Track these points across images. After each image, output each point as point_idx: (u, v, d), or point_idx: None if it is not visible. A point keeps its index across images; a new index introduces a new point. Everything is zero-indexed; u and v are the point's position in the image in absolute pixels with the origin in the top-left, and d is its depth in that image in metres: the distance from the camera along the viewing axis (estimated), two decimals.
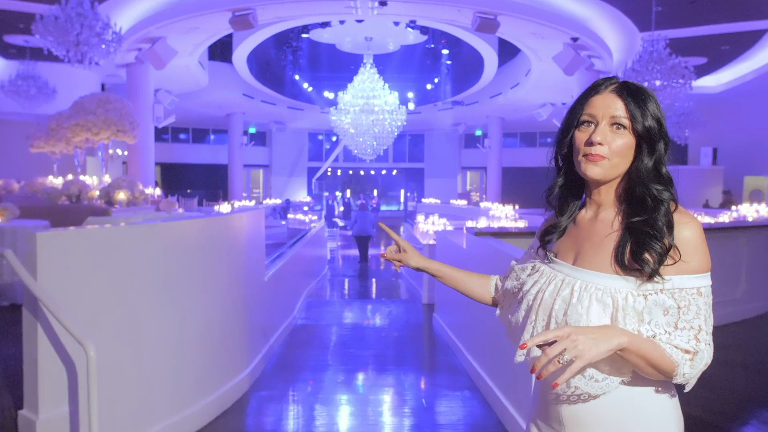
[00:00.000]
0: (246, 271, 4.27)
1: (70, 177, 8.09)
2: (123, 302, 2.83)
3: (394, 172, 29.17)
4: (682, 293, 1.15)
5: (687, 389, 1.20)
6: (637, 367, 1.14)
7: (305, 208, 18.79)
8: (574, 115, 1.27)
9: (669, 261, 1.15)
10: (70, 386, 2.51)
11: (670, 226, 1.18)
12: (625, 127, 1.20)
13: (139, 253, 2.95)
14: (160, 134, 22.95)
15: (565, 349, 1.04)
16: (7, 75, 12.31)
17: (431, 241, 8.22)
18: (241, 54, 16.57)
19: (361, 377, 4.87)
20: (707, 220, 7.38)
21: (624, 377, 1.16)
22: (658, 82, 8.72)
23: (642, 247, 1.16)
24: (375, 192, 29.01)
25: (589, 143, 1.21)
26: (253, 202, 17.96)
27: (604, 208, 1.28)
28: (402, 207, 28.33)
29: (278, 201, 21.00)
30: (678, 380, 1.15)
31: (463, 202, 18.42)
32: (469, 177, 28.87)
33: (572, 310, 1.17)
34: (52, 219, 5.79)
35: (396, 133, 17.91)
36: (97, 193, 7.54)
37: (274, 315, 5.49)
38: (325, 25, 16.10)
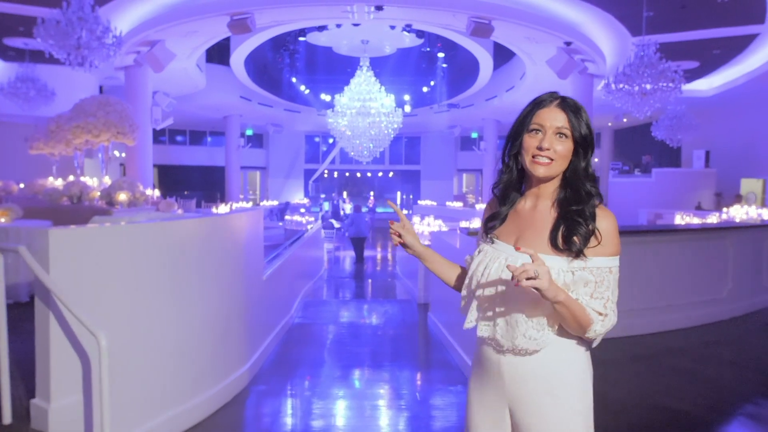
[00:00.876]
0: (245, 270, 4.39)
1: (70, 178, 8.19)
2: (128, 297, 2.96)
3: (391, 174, 29.31)
4: (599, 271, 1.48)
5: (594, 345, 1.55)
6: (564, 320, 1.44)
7: (302, 210, 18.90)
8: (524, 124, 1.56)
9: (592, 243, 1.47)
10: (82, 375, 2.64)
11: (594, 217, 1.49)
12: (567, 136, 1.52)
13: (144, 251, 3.08)
14: (158, 136, 23.03)
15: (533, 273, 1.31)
16: (7, 77, 12.38)
17: (426, 242, 8.35)
18: (238, 57, 16.69)
19: (357, 373, 4.99)
20: (696, 221, 7.54)
21: (552, 330, 1.48)
22: (648, 86, 8.88)
23: (572, 231, 1.47)
24: (372, 194, 29.12)
25: (540, 148, 1.51)
26: (250, 204, 18.06)
27: (542, 200, 1.58)
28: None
29: (275, 203, 21.10)
30: (590, 335, 1.47)
31: (458, 204, 18.54)
32: (465, 179, 29.03)
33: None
34: (55, 219, 5.90)
35: (392, 136, 18.02)
36: (98, 194, 7.65)
37: (272, 313, 5.61)
38: (322, 28, 16.23)
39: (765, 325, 6.36)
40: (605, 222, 1.51)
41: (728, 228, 6.63)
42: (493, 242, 1.59)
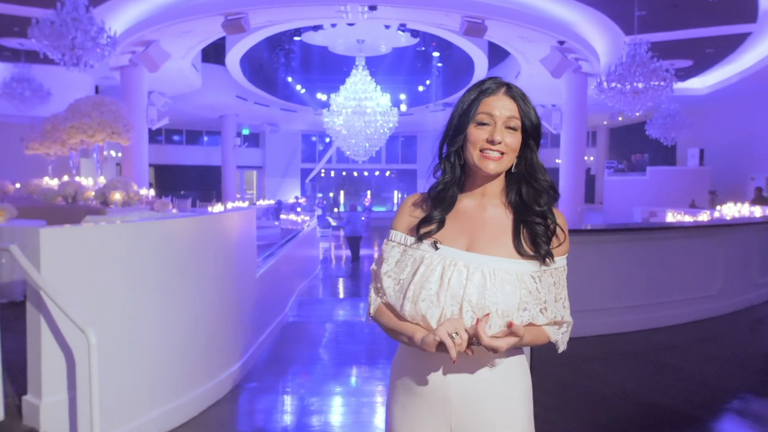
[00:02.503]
0: (237, 268, 4.43)
1: (65, 178, 8.23)
2: (119, 295, 3.00)
3: (387, 173, 29.35)
4: (557, 271, 1.39)
5: (559, 350, 1.45)
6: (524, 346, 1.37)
7: (299, 209, 18.94)
8: (470, 114, 1.37)
9: (554, 244, 1.37)
10: (72, 372, 2.68)
11: (552, 214, 1.39)
12: (516, 128, 1.36)
13: (135, 249, 3.12)
14: (154, 136, 23.06)
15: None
16: (2, 77, 12.41)
17: None
18: (234, 56, 16.70)
19: (351, 370, 5.01)
20: (687, 219, 7.59)
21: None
22: (640, 85, 8.94)
23: (538, 235, 1.35)
24: (368, 193, 29.17)
25: (491, 141, 1.34)
26: (246, 204, 18.10)
27: (491, 199, 1.42)
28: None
29: (272, 202, 21.14)
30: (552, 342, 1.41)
31: None
32: None
33: (490, 294, 1.29)
34: (49, 219, 5.93)
35: (388, 135, 18.06)
36: (93, 193, 7.68)
37: (265, 311, 5.64)
38: (317, 28, 16.25)
39: (754, 322, 6.43)
40: (561, 219, 1.40)
41: (719, 225, 6.68)
42: (437, 248, 1.36)
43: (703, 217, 7.94)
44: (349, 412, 3.99)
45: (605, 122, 22.00)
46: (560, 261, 1.39)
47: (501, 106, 1.35)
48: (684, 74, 14.19)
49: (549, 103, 17.65)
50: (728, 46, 12.53)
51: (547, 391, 3.91)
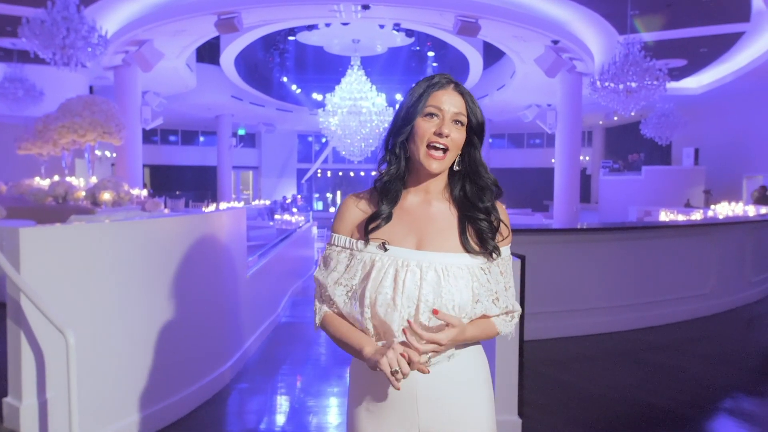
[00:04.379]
0: (226, 268, 4.40)
1: (56, 178, 8.18)
2: (104, 295, 2.96)
3: None
4: (503, 261, 1.42)
5: (509, 339, 1.54)
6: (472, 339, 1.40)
7: (294, 210, 18.89)
8: (418, 106, 1.36)
9: (499, 238, 1.40)
10: (52, 374, 2.65)
11: (495, 209, 1.41)
12: (463, 124, 1.38)
13: (120, 249, 3.08)
14: (149, 136, 23.00)
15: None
16: None
17: None
18: (228, 56, 16.67)
19: (342, 370, 4.97)
20: (681, 218, 7.58)
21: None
22: (633, 84, 8.94)
23: (483, 231, 1.37)
24: None
25: (439, 134, 1.34)
26: (241, 204, 18.05)
27: (434, 194, 1.42)
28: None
29: (267, 202, 21.09)
30: (504, 334, 1.45)
31: None
32: None
33: (445, 291, 1.30)
34: (39, 219, 5.89)
35: (384, 135, 18.00)
36: (83, 193, 7.64)
37: (257, 311, 5.61)
38: (311, 27, 16.22)
39: (747, 321, 6.42)
40: (502, 212, 1.43)
41: (712, 224, 6.67)
42: (386, 249, 1.34)
43: (697, 216, 7.93)
44: (342, 413, 3.96)
45: (600, 122, 22.03)
46: (505, 251, 1.43)
47: (449, 101, 1.36)
48: (679, 74, 14.21)
49: (544, 102, 17.69)
50: (722, 46, 12.56)
51: (538, 391, 3.89)
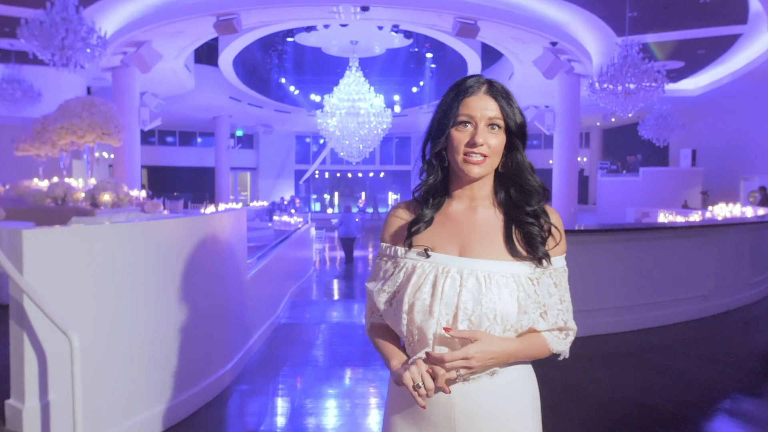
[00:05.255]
0: (227, 270, 4.39)
1: (55, 180, 8.16)
2: (105, 297, 2.96)
3: (382, 174, 29.37)
4: (557, 272, 1.32)
5: (561, 358, 1.37)
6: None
7: (293, 211, 18.89)
8: (449, 116, 1.31)
9: (550, 244, 1.31)
10: (55, 376, 2.65)
11: (545, 213, 1.33)
12: (500, 127, 1.30)
13: (121, 251, 3.08)
14: (147, 137, 22.99)
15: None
16: None
17: None
18: (227, 57, 16.67)
19: (345, 372, 4.98)
20: (679, 219, 7.61)
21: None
22: (632, 86, 8.97)
23: (531, 235, 1.29)
24: (363, 194, 29.18)
25: (472, 144, 1.27)
26: (240, 205, 18.07)
27: (480, 201, 1.35)
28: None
29: (265, 203, 21.09)
30: (555, 353, 1.33)
31: None
32: None
33: (486, 299, 1.23)
34: (38, 220, 5.88)
35: (382, 136, 18.05)
36: (83, 195, 7.63)
37: (257, 313, 5.61)
38: (310, 29, 16.23)
39: (745, 322, 6.44)
40: (555, 217, 1.34)
41: (710, 226, 6.69)
42: (428, 255, 1.31)
43: (695, 217, 7.95)
44: (343, 414, 3.96)
45: (598, 123, 22.09)
46: (558, 261, 1.33)
47: (482, 107, 1.29)
48: (676, 75, 14.26)
49: (542, 104, 17.71)
50: (719, 48, 12.61)
51: (539, 391, 3.89)
